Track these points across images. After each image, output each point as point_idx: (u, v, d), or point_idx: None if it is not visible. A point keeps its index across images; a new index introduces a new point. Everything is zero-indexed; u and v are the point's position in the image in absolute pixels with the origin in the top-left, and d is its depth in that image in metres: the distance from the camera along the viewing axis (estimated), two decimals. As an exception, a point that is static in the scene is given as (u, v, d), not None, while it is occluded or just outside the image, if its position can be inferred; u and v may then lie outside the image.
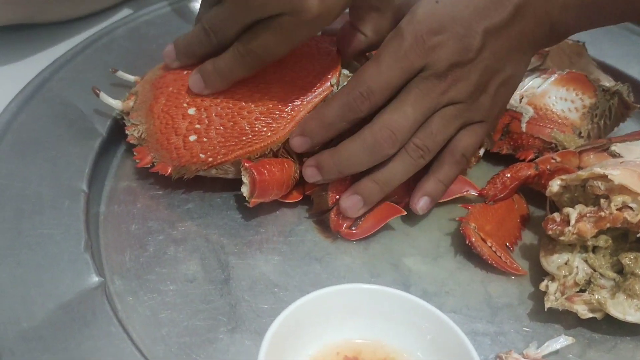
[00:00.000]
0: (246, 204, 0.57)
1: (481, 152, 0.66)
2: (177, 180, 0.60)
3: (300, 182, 0.60)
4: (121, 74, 0.64)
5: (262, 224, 0.60)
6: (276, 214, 0.61)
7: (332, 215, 0.59)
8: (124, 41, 0.71)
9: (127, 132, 0.62)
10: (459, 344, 0.46)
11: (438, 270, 0.58)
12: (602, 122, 0.66)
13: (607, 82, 0.68)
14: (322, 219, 0.60)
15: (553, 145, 0.65)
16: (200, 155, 0.58)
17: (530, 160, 0.64)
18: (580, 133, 0.65)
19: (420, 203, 0.60)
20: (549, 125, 0.65)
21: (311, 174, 0.58)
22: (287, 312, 0.46)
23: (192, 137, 0.58)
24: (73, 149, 0.60)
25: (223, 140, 0.58)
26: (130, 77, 0.64)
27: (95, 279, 0.52)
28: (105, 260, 0.56)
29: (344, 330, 0.48)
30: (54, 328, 0.48)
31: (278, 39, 0.55)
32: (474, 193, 0.62)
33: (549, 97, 0.66)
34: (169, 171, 0.59)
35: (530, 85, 0.66)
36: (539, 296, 0.55)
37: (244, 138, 0.58)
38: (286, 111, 0.59)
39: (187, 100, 0.60)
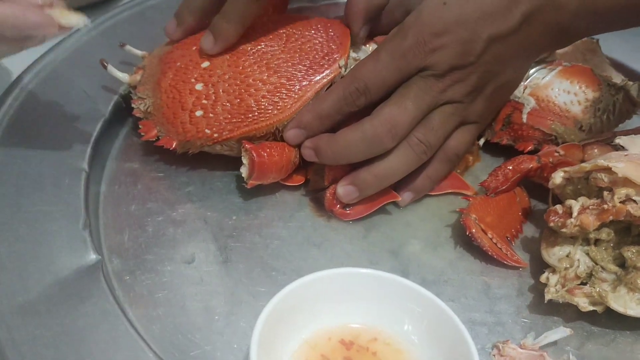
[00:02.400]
0: (244, 184, 0.57)
1: (481, 142, 0.66)
2: (180, 159, 0.60)
3: (302, 166, 0.60)
4: (129, 48, 0.64)
5: (262, 209, 0.60)
6: (277, 199, 0.61)
7: (327, 194, 0.59)
8: (129, 25, 0.71)
9: (133, 105, 0.62)
10: (455, 330, 0.45)
11: (437, 260, 0.58)
12: (605, 117, 0.65)
13: (619, 80, 0.67)
14: (317, 196, 0.60)
15: (553, 137, 0.64)
16: (206, 130, 0.58)
17: (530, 152, 0.63)
18: (581, 127, 0.64)
19: (403, 196, 0.60)
20: (549, 117, 0.64)
21: (309, 155, 0.59)
22: (282, 295, 0.46)
23: (199, 113, 0.58)
24: (75, 128, 0.61)
25: (229, 116, 0.58)
26: (138, 52, 0.64)
27: (92, 256, 0.52)
28: (104, 239, 0.56)
29: (340, 315, 0.48)
30: (49, 303, 0.48)
31: None
32: (468, 193, 0.62)
33: (552, 89, 0.65)
34: (174, 145, 0.59)
35: (535, 76, 0.66)
36: (539, 288, 0.55)
37: (250, 115, 0.58)
38: (293, 90, 0.59)
39: (195, 75, 0.60)
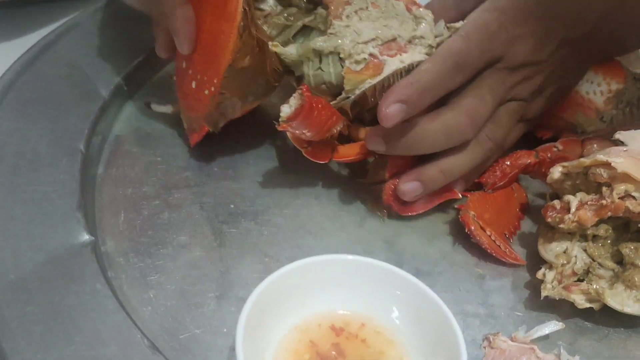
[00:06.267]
0: (274, 122, 0.53)
1: None
2: (178, 144, 0.62)
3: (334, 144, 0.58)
4: (155, 106, 0.65)
5: (258, 196, 0.60)
6: (274, 186, 0.61)
7: (387, 188, 0.58)
8: (132, 10, 0.71)
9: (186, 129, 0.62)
10: (443, 320, 0.45)
11: (432, 251, 0.58)
12: (628, 109, 0.64)
13: None
14: (374, 189, 0.59)
15: (574, 126, 0.63)
16: (205, 92, 0.57)
17: (548, 140, 0.62)
18: (602, 117, 0.63)
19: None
20: (572, 106, 0.64)
21: (375, 143, 0.56)
22: (271, 279, 0.46)
23: (193, 84, 0.58)
24: (74, 109, 0.61)
25: (206, 65, 0.57)
26: (165, 109, 0.64)
27: (85, 237, 0.52)
28: (99, 220, 0.56)
29: (329, 301, 0.48)
30: (40, 281, 0.48)
31: None
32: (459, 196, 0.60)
33: None
34: (205, 128, 0.59)
35: None
36: (535, 284, 0.54)
37: (214, 50, 0.56)
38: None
39: (185, 65, 0.60)
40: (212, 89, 0.57)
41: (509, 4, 0.57)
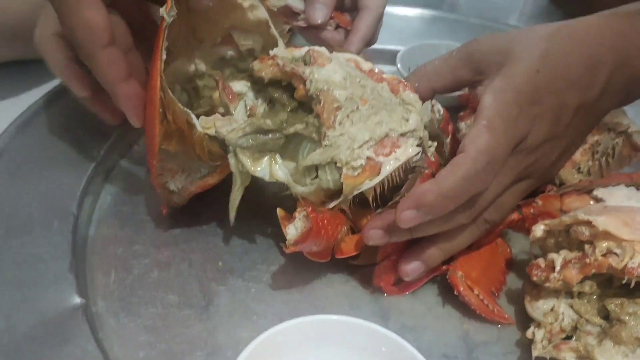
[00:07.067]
0: (282, 244, 0.53)
1: None
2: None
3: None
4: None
5: (246, 252, 0.61)
6: (261, 242, 0.62)
7: (378, 269, 0.58)
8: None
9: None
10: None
11: (417, 304, 0.59)
12: (604, 160, 0.66)
13: (626, 124, 0.67)
14: (363, 271, 0.60)
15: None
16: (151, 171, 0.58)
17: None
18: (579, 168, 0.65)
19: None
20: None
21: (375, 236, 0.55)
22: (258, 341, 0.47)
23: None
24: (67, 172, 0.62)
25: (147, 147, 0.58)
26: None
27: (77, 299, 0.53)
28: (90, 281, 0.57)
29: (315, 361, 0.49)
30: (32, 343, 0.49)
31: None
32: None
33: None
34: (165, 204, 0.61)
35: None
36: (522, 340, 0.55)
37: (149, 133, 0.57)
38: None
39: None
40: (153, 170, 0.58)
41: (523, 80, 0.54)
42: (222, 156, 0.57)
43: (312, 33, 0.69)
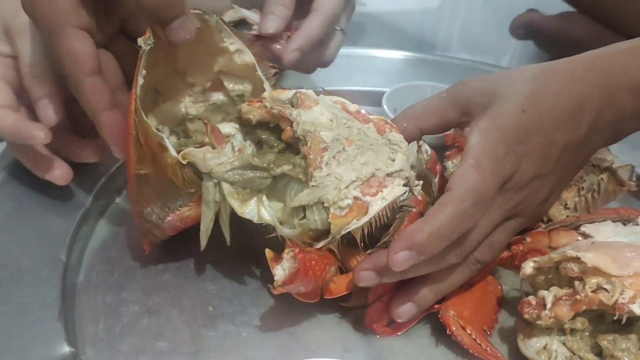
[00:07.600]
0: (270, 286, 0.53)
1: None
2: (156, 247, 0.62)
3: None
4: None
5: (236, 296, 0.61)
6: (252, 286, 0.62)
7: (370, 311, 0.58)
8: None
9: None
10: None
11: (410, 346, 0.58)
12: (590, 195, 0.66)
13: (610, 160, 0.67)
14: (354, 312, 0.59)
15: None
16: (128, 188, 0.58)
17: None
18: (566, 204, 0.66)
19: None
20: None
21: (366, 278, 0.55)
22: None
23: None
24: (55, 219, 0.62)
25: (127, 174, 0.58)
26: None
27: (66, 349, 0.52)
28: (79, 329, 0.56)
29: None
30: (21, 396, 0.48)
31: None
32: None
33: None
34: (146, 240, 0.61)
35: None
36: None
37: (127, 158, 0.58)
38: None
39: None
40: (130, 197, 0.59)
41: (509, 120, 0.55)
42: (196, 183, 0.57)
43: (264, 44, 0.70)
